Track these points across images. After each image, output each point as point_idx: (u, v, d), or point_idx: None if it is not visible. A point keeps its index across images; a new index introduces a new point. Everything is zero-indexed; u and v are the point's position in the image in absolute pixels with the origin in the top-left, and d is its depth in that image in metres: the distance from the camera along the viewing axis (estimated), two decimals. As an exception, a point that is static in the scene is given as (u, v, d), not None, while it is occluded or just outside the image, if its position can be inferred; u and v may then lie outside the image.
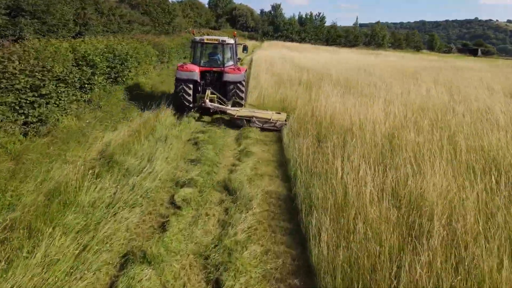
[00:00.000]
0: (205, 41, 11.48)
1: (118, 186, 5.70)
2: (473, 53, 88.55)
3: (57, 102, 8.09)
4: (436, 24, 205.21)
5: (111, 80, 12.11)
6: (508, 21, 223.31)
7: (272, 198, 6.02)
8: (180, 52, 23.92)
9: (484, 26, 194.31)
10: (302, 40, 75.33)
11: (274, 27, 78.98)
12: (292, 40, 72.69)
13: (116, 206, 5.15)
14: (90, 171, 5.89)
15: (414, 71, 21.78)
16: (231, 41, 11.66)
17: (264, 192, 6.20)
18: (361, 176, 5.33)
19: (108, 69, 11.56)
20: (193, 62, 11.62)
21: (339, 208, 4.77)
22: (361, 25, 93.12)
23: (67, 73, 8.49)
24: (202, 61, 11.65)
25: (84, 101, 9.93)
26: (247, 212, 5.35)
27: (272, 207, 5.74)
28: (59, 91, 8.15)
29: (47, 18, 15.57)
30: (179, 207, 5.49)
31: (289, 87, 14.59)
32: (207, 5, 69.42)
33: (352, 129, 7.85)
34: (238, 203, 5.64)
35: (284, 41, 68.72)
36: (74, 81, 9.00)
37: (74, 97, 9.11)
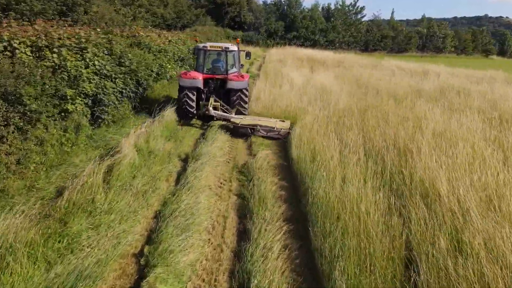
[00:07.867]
0: (208, 48, 11.60)
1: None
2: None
3: None
4: (444, 21, 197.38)
5: None
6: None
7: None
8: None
9: (495, 23, 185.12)
10: (329, 44, 52.70)
11: (287, 23, 55.42)
12: (314, 45, 50.49)
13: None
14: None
15: None
16: (235, 48, 11.81)
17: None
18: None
19: None
20: (196, 70, 11.75)
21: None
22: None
23: None
24: (205, 69, 11.68)
25: None
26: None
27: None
28: None
29: None
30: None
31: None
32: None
33: None
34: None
35: (302, 45, 48.24)
36: None
37: None
